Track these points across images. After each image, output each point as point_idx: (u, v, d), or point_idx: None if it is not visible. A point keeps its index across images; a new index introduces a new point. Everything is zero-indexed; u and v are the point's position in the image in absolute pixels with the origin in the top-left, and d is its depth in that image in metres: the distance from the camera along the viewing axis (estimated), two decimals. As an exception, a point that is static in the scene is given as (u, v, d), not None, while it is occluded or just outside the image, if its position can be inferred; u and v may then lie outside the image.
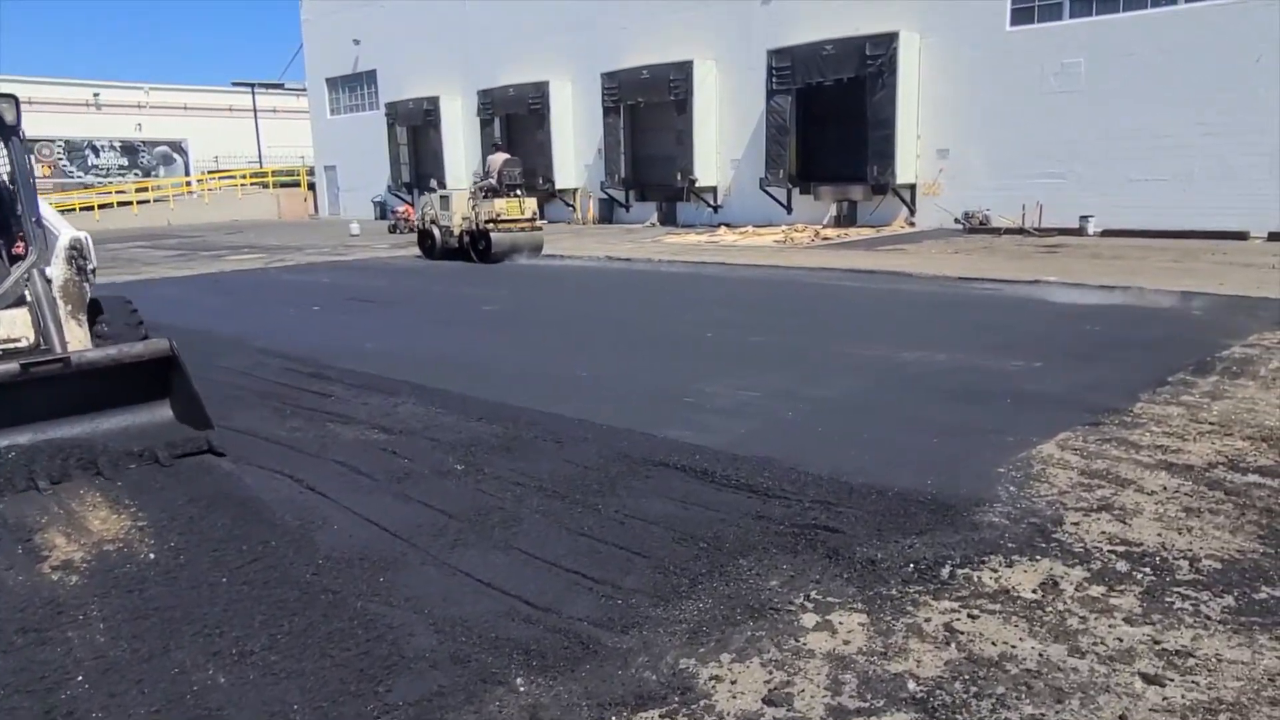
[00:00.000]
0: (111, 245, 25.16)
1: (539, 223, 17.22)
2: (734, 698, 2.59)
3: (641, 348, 8.13)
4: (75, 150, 39.92)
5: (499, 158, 17.03)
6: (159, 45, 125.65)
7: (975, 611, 3.00)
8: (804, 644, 2.86)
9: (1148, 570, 3.25)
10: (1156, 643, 2.77)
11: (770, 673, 2.70)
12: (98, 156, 40.42)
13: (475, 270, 15.34)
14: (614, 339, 8.65)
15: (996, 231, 18.66)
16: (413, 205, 25.60)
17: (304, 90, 41.60)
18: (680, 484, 4.37)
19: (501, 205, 16.22)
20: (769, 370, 6.87)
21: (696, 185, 24.53)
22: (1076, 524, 3.68)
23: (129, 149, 41.52)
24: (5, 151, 5.75)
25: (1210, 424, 5.02)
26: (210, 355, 8.09)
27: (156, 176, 41.73)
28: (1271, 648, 2.72)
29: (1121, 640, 2.79)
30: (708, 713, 2.53)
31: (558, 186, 28.48)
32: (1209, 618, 2.91)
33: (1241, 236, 15.66)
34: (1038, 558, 3.38)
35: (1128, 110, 17.26)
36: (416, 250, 18.10)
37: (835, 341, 7.92)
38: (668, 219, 25.96)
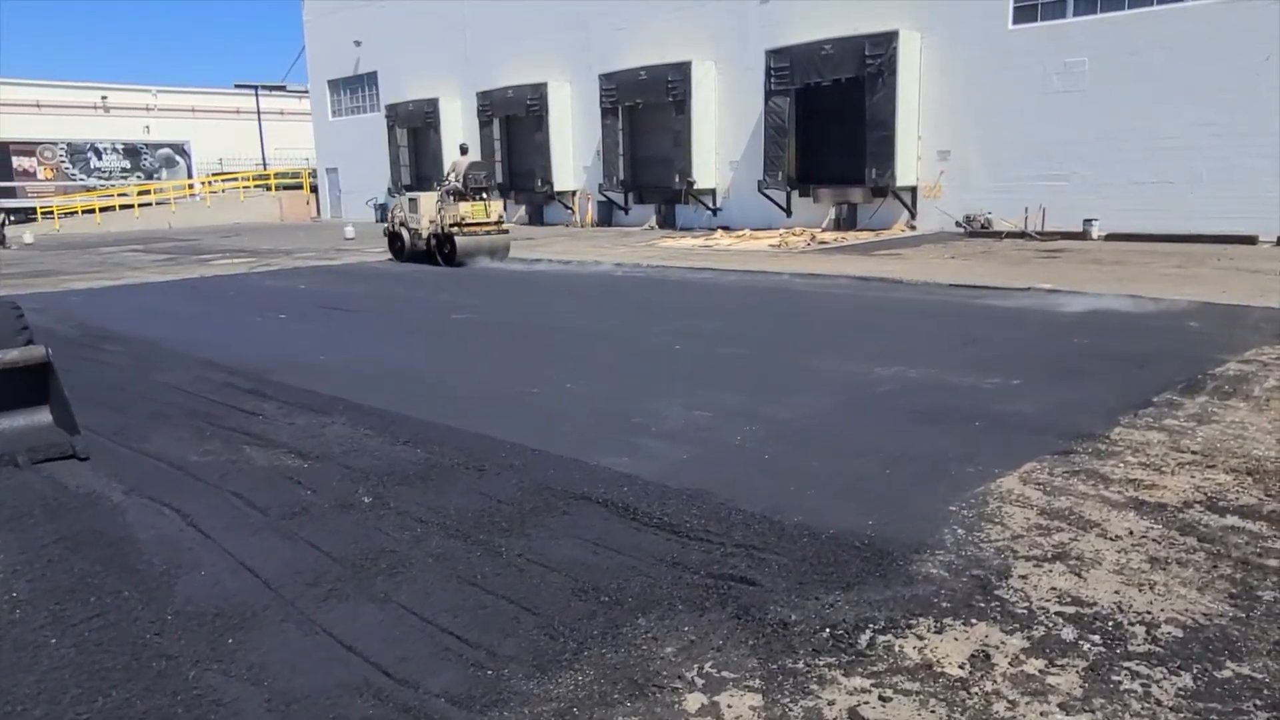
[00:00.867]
0: (105, 249, 24.97)
1: (505, 226, 17.14)
2: (583, 806, 2.19)
3: (604, 361, 7.73)
4: (78, 153, 39.84)
5: (463, 161, 16.86)
6: (165, 48, 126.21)
7: (888, 692, 2.58)
8: (683, 732, 2.45)
9: (1097, 639, 2.82)
10: (1094, 737, 2.35)
11: (634, 772, 2.30)
12: (100, 159, 40.34)
13: (455, 276, 14.97)
14: (579, 351, 8.25)
15: (998, 235, 18.16)
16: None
17: (306, 92, 41.43)
18: (598, 522, 3.96)
19: (466, 209, 16.06)
20: (730, 387, 6.45)
21: (695, 188, 24.10)
22: (1025, 577, 3.25)
23: (131, 151, 41.43)
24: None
25: (1192, 453, 4.57)
26: (155, 368, 7.78)
27: (159, 179, 41.60)
28: (1230, 745, 2.30)
29: (1054, 733, 2.37)
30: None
31: (556, 189, 28.11)
32: (1160, 703, 2.48)
33: (1250, 241, 15.12)
34: (973, 621, 2.96)
35: (1133, 110, 16.73)
36: (389, 253, 18.00)
37: (806, 354, 7.50)
38: (666, 222, 25.54)
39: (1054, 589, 3.16)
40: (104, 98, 57.44)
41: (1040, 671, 2.66)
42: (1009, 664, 2.70)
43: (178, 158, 42.66)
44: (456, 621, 3.12)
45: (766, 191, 22.21)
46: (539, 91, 27.71)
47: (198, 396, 6.63)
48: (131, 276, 16.55)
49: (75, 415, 5.09)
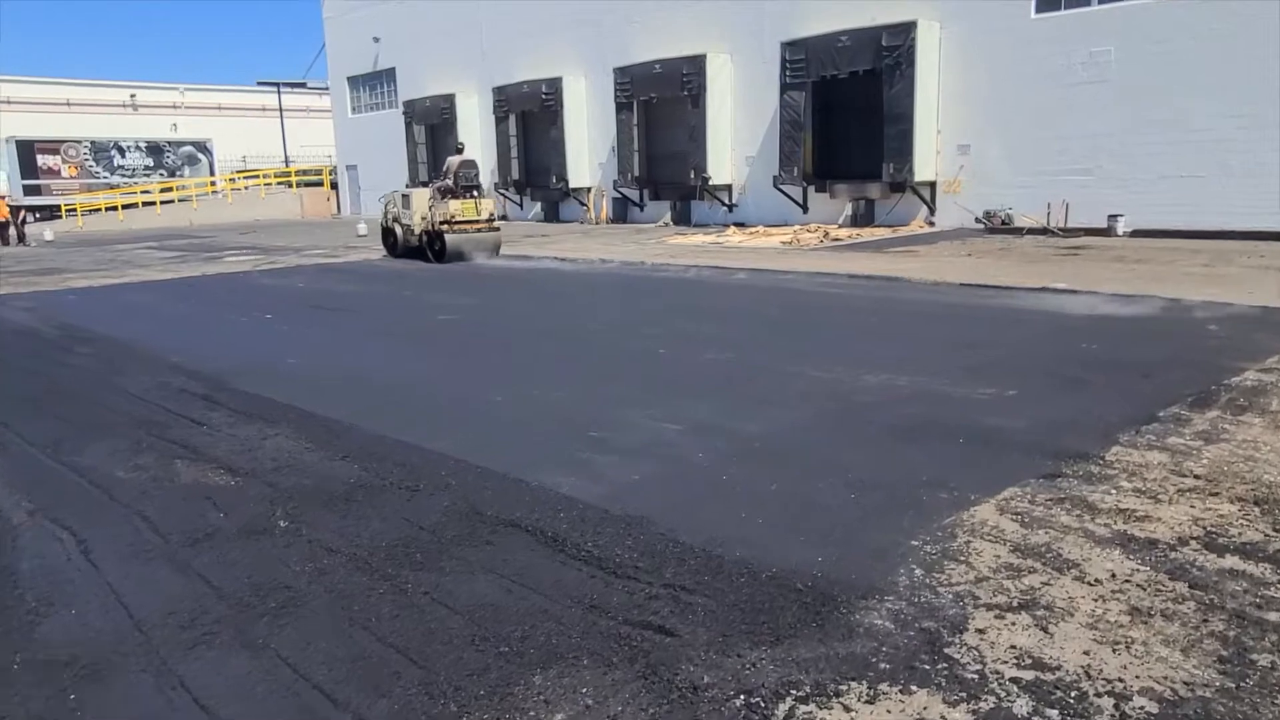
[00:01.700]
0: (120, 246, 25.00)
1: (496, 223, 17.04)
2: None
3: (581, 366, 7.35)
4: (101, 151, 40.11)
5: (455, 159, 16.78)
6: (191, 46, 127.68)
7: (796, 781, 2.18)
8: (544, 830, 2.07)
9: (1055, 714, 2.40)
10: None
11: None
12: (124, 157, 40.59)
13: (452, 275, 14.66)
14: (558, 355, 7.88)
15: (1019, 231, 17.55)
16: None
17: (326, 89, 41.44)
18: (521, 554, 3.59)
19: (456, 206, 16.01)
20: (706, 396, 6.05)
21: (710, 184, 23.64)
22: (982, 632, 2.83)
23: (154, 149, 41.66)
24: None
25: (1195, 477, 4.10)
26: (120, 372, 7.53)
27: (181, 176, 41.82)
28: None
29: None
30: None
31: (571, 185, 27.76)
32: (1119, 804, 2.06)
33: (1283, 237, 14.42)
34: (913, 688, 2.54)
35: (1160, 102, 16.04)
36: (384, 248, 17.86)
37: (795, 360, 7.06)
38: (681, 218, 25.10)
39: (1014, 647, 2.73)
40: (133, 95, 58.11)
41: (980, 757, 2.24)
42: (945, 746, 2.30)
43: (200, 155, 42.84)
44: (331, 676, 2.76)
45: (782, 187, 21.73)
46: (554, 86, 27.37)
47: (150, 404, 6.34)
48: (134, 275, 16.43)
49: None
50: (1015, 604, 3.00)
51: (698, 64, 23.13)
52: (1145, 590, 3.06)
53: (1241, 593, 3.02)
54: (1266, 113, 14.84)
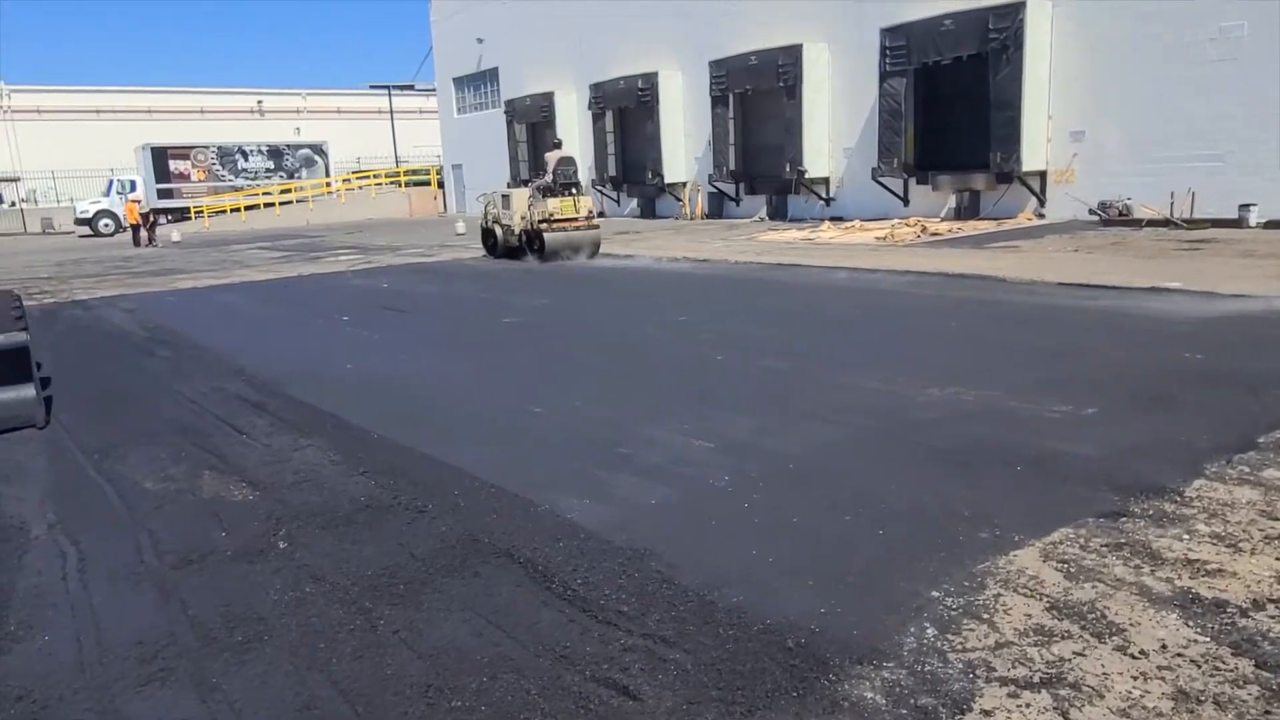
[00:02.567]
0: (236, 246, 26.17)
1: (595, 221, 16.68)
2: None
3: (629, 374, 7.08)
4: (226, 155, 42.22)
5: (554, 155, 16.55)
6: (315, 52, 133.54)
7: None
8: None
9: (1053, 830, 2.00)
10: None
11: None
12: (247, 160, 42.61)
13: (532, 275, 14.62)
14: (610, 362, 7.64)
15: (1137, 224, 16.28)
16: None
17: (433, 90, 42.46)
18: (506, 589, 3.36)
19: (555, 204, 15.73)
20: (750, 409, 5.70)
21: (806, 177, 22.96)
22: (989, 715, 2.43)
23: (275, 152, 43.60)
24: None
25: (1290, 522, 3.53)
26: (185, 376, 7.71)
27: (299, 178, 43.64)
28: None
29: None
30: None
31: (667, 181, 27.51)
32: None
33: None
34: (889, 783, 2.18)
35: (1301, 79, 14.57)
36: (484, 249, 17.85)
37: (856, 369, 6.61)
38: (777, 213, 24.50)
39: (1022, 736, 2.33)
40: (259, 102, 61.22)
41: None
42: None
43: (316, 157, 44.58)
44: (267, 727, 2.59)
45: (881, 180, 20.90)
46: (650, 81, 27.16)
47: (203, 410, 6.43)
48: (239, 276, 17.08)
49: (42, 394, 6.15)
50: (1036, 679, 2.58)
51: (794, 54, 22.48)
52: (1200, 668, 2.59)
53: (1320, 677, 2.51)
54: None
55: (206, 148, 42.04)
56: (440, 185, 43.19)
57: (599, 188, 29.57)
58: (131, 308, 12.76)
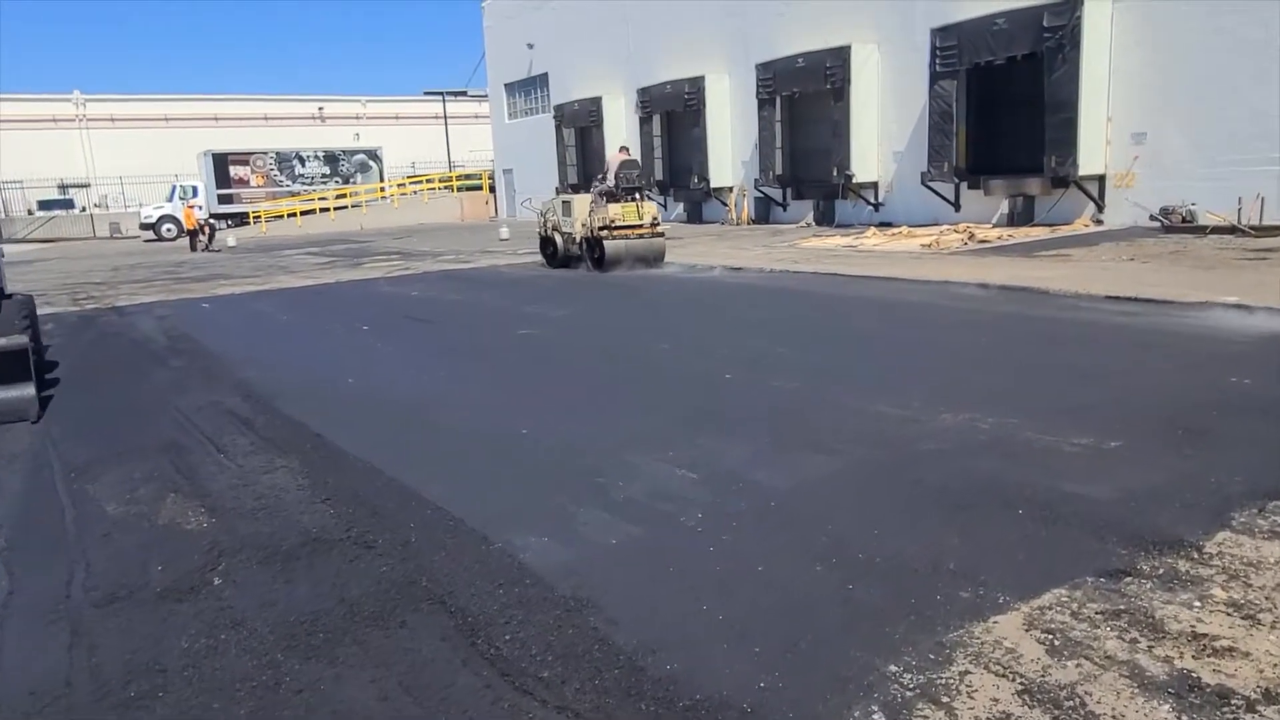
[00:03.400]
0: (287, 251, 26.53)
1: (660, 228, 15.74)
2: None
3: (633, 393, 6.77)
4: (284, 161, 43.07)
5: (617, 159, 15.88)
6: (374, 59, 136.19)
7: None
8: None
9: None
10: None
11: None
12: (303, 166, 43.43)
13: (563, 284, 14.34)
14: (614, 379, 7.35)
15: (1201, 230, 15.40)
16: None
17: (485, 96, 42.71)
18: (428, 645, 3.09)
19: (616, 211, 14.88)
20: (746, 434, 5.35)
21: (854, 181, 22.36)
22: (921, 830, 2.06)
23: (331, 158, 44.35)
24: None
25: (1323, 589, 3.07)
26: (186, 389, 7.64)
27: (354, 183, 44.29)
28: None
29: None
30: None
31: (713, 185, 27.11)
32: None
33: None
34: None
35: (1382, 76, 13.61)
36: (541, 258, 17.32)
37: (871, 392, 6.20)
38: (825, 218, 23.91)
39: None
40: (320, 108, 62.52)
41: None
42: None
43: (370, 162, 45.22)
44: (123, 805, 2.35)
45: (931, 184, 20.23)
46: (697, 85, 26.81)
47: (192, 426, 6.30)
48: (279, 281, 17.21)
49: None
50: (987, 786, 2.20)
51: (842, 55, 21.92)
52: (1186, 779, 2.19)
53: (1331, 801, 2.09)
54: None
55: (265, 153, 42.96)
56: (492, 190, 43.43)
57: (646, 193, 29.27)
58: (165, 314, 12.87)
